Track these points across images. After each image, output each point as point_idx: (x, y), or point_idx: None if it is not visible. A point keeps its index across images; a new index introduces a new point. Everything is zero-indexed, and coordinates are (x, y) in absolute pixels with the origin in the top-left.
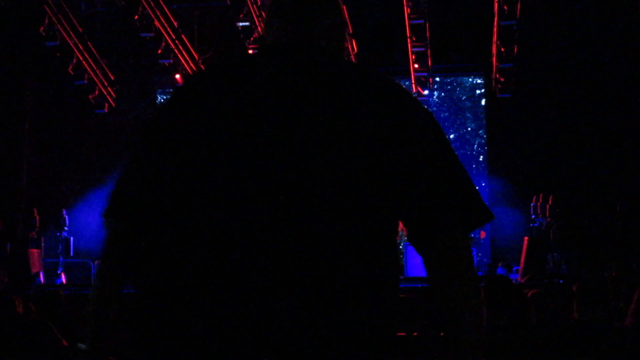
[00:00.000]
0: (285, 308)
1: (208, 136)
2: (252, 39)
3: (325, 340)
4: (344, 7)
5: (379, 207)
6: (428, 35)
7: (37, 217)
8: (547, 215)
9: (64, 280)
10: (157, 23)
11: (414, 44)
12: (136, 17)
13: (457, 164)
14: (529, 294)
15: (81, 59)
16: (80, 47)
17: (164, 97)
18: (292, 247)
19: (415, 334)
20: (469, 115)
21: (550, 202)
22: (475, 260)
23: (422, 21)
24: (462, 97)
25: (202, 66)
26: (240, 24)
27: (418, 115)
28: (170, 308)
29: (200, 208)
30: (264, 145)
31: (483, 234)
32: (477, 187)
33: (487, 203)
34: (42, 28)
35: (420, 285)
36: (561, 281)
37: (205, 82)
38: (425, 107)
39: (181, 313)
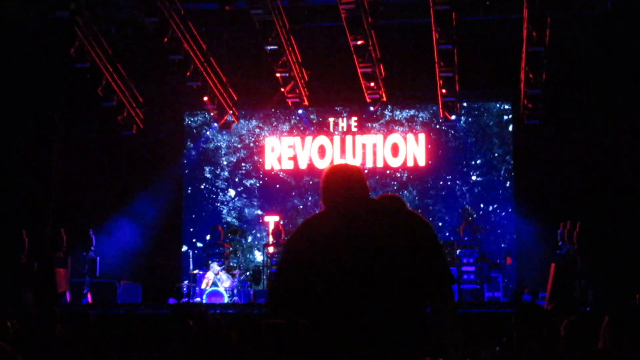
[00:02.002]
0: (374, 329)
1: (324, 252)
2: (280, 62)
3: (392, 340)
4: (372, 31)
5: (413, 282)
6: (456, 61)
7: (65, 237)
8: (574, 242)
9: (90, 300)
10: (186, 46)
11: (442, 69)
12: (165, 39)
13: (442, 254)
14: (562, 323)
15: (110, 80)
16: (110, 69)
17: (192, 119)
18: (376, 304)
19: None
20: (495, 141)
21: (577, 229)
22: (501, 286)
23: (450, 47)
24: (489, 123)
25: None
26: (269, 47)
27: (425, 231)
28: (323, 331)
29: (326, 288)
30: (357, 256)
31: (509, 260)
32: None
33: (513, 229)
34: (72, 50)
35: None
36: (588, 309)
37: (319, 220)
38: (426, 221)
39: (328, 334)
